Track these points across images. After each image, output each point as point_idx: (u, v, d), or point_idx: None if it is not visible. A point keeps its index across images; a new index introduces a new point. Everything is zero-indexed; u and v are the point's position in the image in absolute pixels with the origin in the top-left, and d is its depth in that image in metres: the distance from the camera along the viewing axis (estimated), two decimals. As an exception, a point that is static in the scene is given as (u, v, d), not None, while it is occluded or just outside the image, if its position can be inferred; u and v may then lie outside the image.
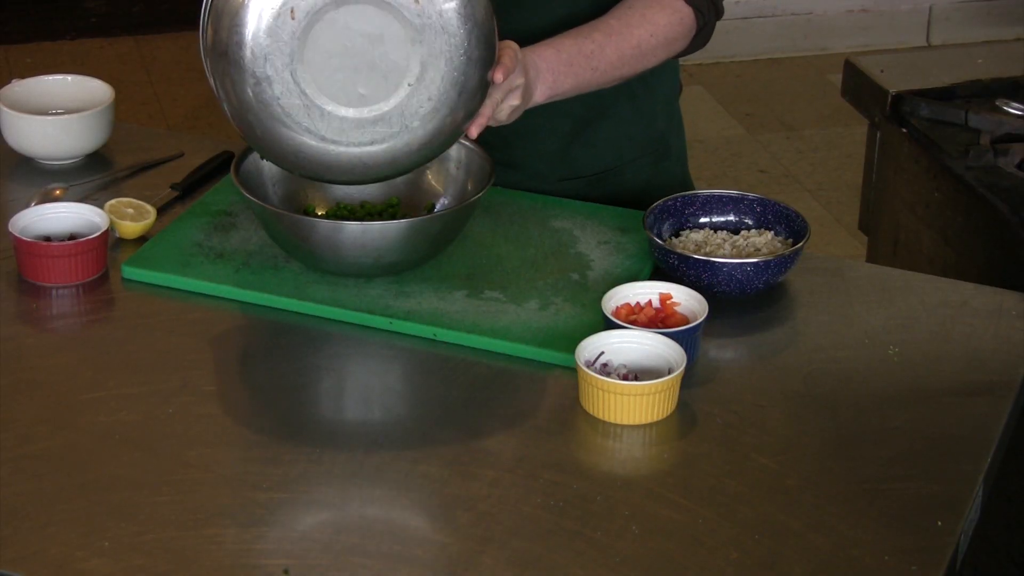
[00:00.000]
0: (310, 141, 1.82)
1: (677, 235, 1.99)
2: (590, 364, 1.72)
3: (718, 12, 2.06)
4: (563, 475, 1.63)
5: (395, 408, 1.79)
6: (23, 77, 2.28)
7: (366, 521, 1.57)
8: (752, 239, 1.96)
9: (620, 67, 1.99)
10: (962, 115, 2.45)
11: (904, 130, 2.52)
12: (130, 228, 2.02)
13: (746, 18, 4.97)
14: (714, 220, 2.01)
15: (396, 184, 1.98)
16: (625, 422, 1.69)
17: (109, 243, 1.97)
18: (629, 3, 2.01)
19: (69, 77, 2.30)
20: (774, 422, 1.71)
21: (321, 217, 1.99)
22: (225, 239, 2.00)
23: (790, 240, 1.96)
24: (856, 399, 1.76)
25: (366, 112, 1.81)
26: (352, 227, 1.85)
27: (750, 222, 2.00)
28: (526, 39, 1.91)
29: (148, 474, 1.62)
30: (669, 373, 1.71)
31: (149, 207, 2.05)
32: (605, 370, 1.73)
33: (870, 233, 2.72)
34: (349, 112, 1.81)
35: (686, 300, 1.82)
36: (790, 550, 1.53)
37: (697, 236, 1.97)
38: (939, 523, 1.57)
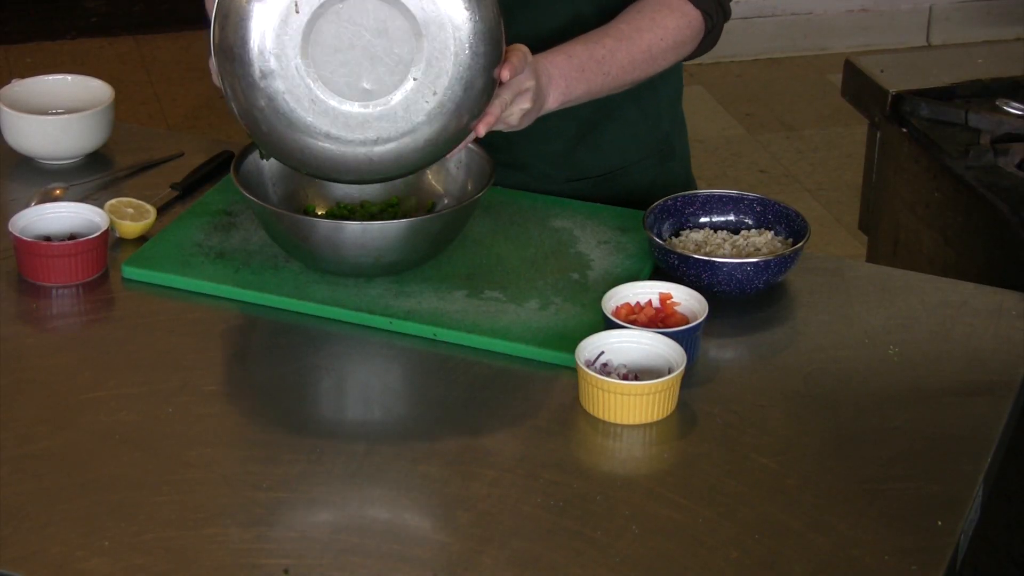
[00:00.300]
0: (316, 137, 1.82)
1: (677, 235, 1.99)
2: (590, 364, 1.72)
3: (725, 14, 2.06)
4: (563, 475, 1.63)
5: (395, 408, 1.79)
6: (23, 77, 2.29)
7: (366, 521, 1.57)
8: (752, 239, 1.96)
9: (631, 72, 1.99)
10: (962, 115, 2.45)
11: (904, 130, 2.52)
12: (130, 228, 2.02)
13: (746, 18, 4.97)
14: (714, 220, 2.01)
15: (396, 184, 1.98)
16: (625, 422, 1.69)
17: (109, 243, 1.97)
18: (638, 7, 2.01)
19: (69, 77, 2.30)
20: (774, 422, 1.71)
21: (321, 217, 1.99)
22: (225, 239, 2.00)
23: (790, 240, 1.96)
24: (856, 399, 1.76)
25: (371, 107, 1.81)
26: (352, 227, 1.85)
27: (750, 222, 2.00)
28: (531, 41, 1.90)
29: (148, 474, 1.62)
30: (669, 373, 1.71)
31: (149, 207, 2.05)
32: (605, 370, 1.73)
33: (870, 233, 2.72)
34: (354, 107, 1.81)
35: (686, 300, 1.82)
36: (790, 550, 1.53)
37: (697, 236, 1.97)
38: (939, 523, 1.57)
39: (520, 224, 2.04)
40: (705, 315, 1.79)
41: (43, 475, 1.62)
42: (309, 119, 1.81)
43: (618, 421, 1.69)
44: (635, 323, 1.79)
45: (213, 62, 1.81)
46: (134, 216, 2.03)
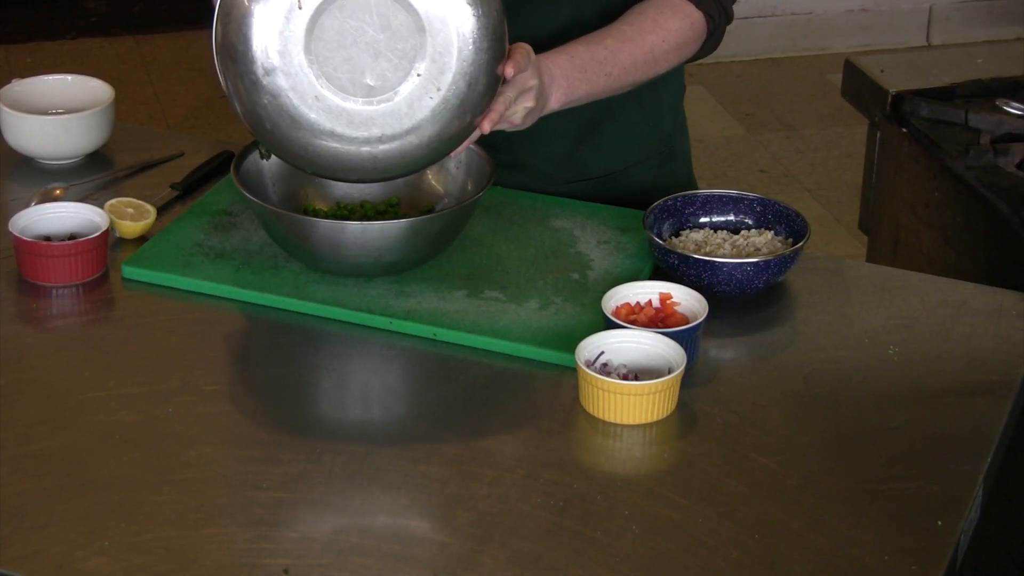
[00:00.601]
0: (320, 135, 1.81)
1: (677, 235, 1.99)
2: (590, 364, 1.72)
3: (728, 16, 2.06)
4: (563, 475, 1.63)
5: (395, 408, 1.79)
6: (23, 77, 2.29)
7: (366, 521, 1.57)
8: (752, 239, 1.96)
9: (633, 73, 1.99)
10: (962, 115, 2.45)
11: (904, 130, 2.52)
12: (130, 228, 2.02)
13: (746, 18, 4.97)
14: (714, 220, 2.01)
15: (396, 184, 1.98)
16: (625, 422, 1.69)
17: (109, 243, 1.98)
18: (640, 9, 2.01)
19: (69, 77, 2.30)
20: (774, 422, 1.71)
21: (321, 216, 1.99)
22: (225, 239, 2.00)
23: (790, 240, 1.96)
24: (856, 399, 1.76)
25: (375, 104, 1.81)
26: (352, 227, 1.85)
27: (750, 222, 2.00)
28: (532, 42, 1.90)
29: (148, 474, 1.62)
30: (669, 373, 1.71)
31: (149, 207, 2.05)
32: (605, 370, 1.73)
33: (870, 233, 2.72)
34: (358, 104, 1.81)
35: (686, 300, 1.82)
36: (790, 550, 1.53)
37: (697, 236, 1.97)
38: (939, 523, 1.57)
39: (520, 224, 2.04)
40: (705, 315, 1.79)
41: (43, 475, 1.62)
42: (313, 116, 1.81)
43: (618, 421, 1.69)
44: (635, 323, 1.79)
45: (215, 60, 1.81)
46: (134, 216, 2.03)
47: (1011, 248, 2.23)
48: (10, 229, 1.94)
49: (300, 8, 1.76)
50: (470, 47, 1.79)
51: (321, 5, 1.77)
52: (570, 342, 1.76)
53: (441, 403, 1.75)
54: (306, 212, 2.00)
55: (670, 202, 1.99)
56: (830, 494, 1.61)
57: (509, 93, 1.84)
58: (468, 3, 1.78)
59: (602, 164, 2.18)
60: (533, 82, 1.86)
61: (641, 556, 1.52)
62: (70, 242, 1.92)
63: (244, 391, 1.79)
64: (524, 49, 1.85)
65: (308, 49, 1.78)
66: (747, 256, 1.92)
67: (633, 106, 2.15)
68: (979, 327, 1.88)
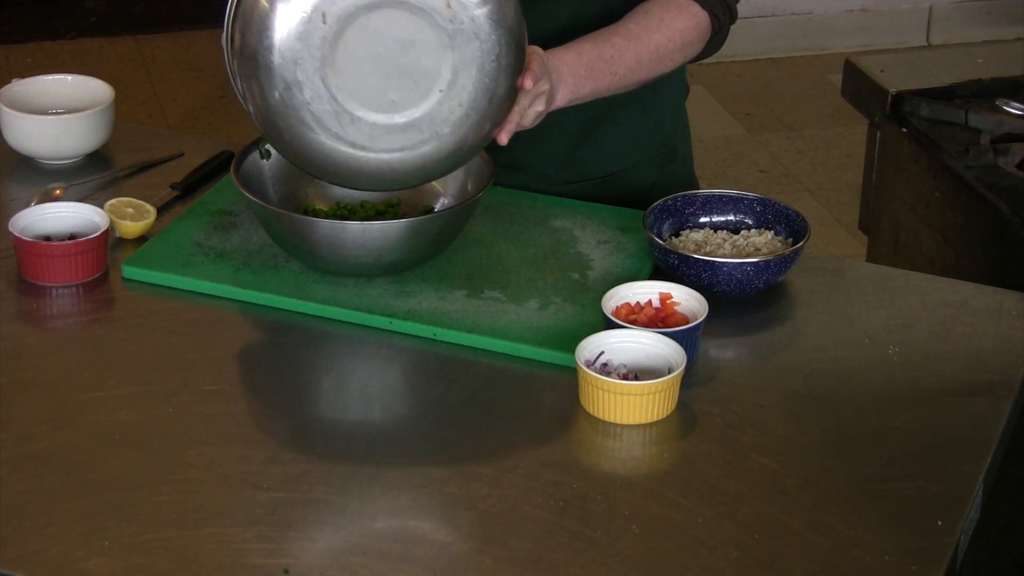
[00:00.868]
0: (339, 147, 1.79)
1: (677, 235, 1.99)
2: (590, 364, 1.72)
3: (732, 16, 2.06)
4: (563, 475, 1.63)
5: (395, 408, 1.79)
6: (23, 77, 2.29)
7: (366, 521, 1.57)
8: (752, 239, 1.96)
9: (638, 72, 1.99)
10: (962, 115, 2.45)
11: (904, 130, 2.52)
12: (130, 228, 2.02)
13: (746, 18, 4.95)
14: (714, 220, 2.01)
15: (396, 184, 1.98)
16: (625, 422, 1.69)
17: (109, 243, 1.98)
18: (646, 8, 2.01)
19: (69, 77, 2.30)
20: (774, 422, 1.71)
21: (321, 216, 1.99)
22: (225, 239, 2.00)
23: (790, 240, 1.96)
24: (856, 399, 1.76)
25: (397, 118, 1.79)
26: (352, 227, 1.85)
27: (750, 222, 2.00)
28: (534, 40, 1.90)
29: (148, 474, 1.62)
30: (669, 373, 1.71)
31: (149, 207, 2.05)
32: (605, 370, 1.73)
33: (870, 233, 2.72)
34: (380, 118, 1.79)
35: (686, 300, 1.82)
36: (790, 550, 1.53)
37: (697, 236, 1.97)
38: (939, 523, 1.57)
39: (520, 224, 2.04)
40: (705, 315, 1.79)
41: (43, 475, 1.62)
42: (334, 129, 1.79)
43: (618, 421, 1.69)
44: (635, 323, 1.79)
45: (231, 66, 1.79)
46: (134, 216, 2.03)
47: (1011, 248, 2.23)
48: (10, 229, 1.94)
49: (324, 23, 1.74)
50: (492, 63, 1.78)
51: (346, 19, 1.75)
52: (570, 342, 1.76)
53: (441, 403, 1.75)
54: (306, 212, 2.00)
55: (670, 202, 1.99)
56: (830, 494, 1.61)
57: (524, 102, 1.84)
58: (491, 19, 1.77)
59: (602, 165, 2.18)
60: (546, 87, 1.86)
61: (641, 556, 1.52)
62: (70, 242, 1.92)
63: (244, 391, 1.79)
64: (539, 56, 1.85)
65: (331, 63, 1.76)
66: (747, 256, 1.92)
67: (634, 106, 2.15)
68: (979, 327, 1.88)
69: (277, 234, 1.91)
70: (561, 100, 1.93)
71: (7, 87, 2.25)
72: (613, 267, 1.96)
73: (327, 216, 1.99)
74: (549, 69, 1.88)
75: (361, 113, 1.78)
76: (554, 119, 2.01)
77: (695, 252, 1.91)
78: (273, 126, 1.79)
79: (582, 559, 1.52)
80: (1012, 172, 2.32)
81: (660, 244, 1.90)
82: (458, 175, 2.01)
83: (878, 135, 2.63)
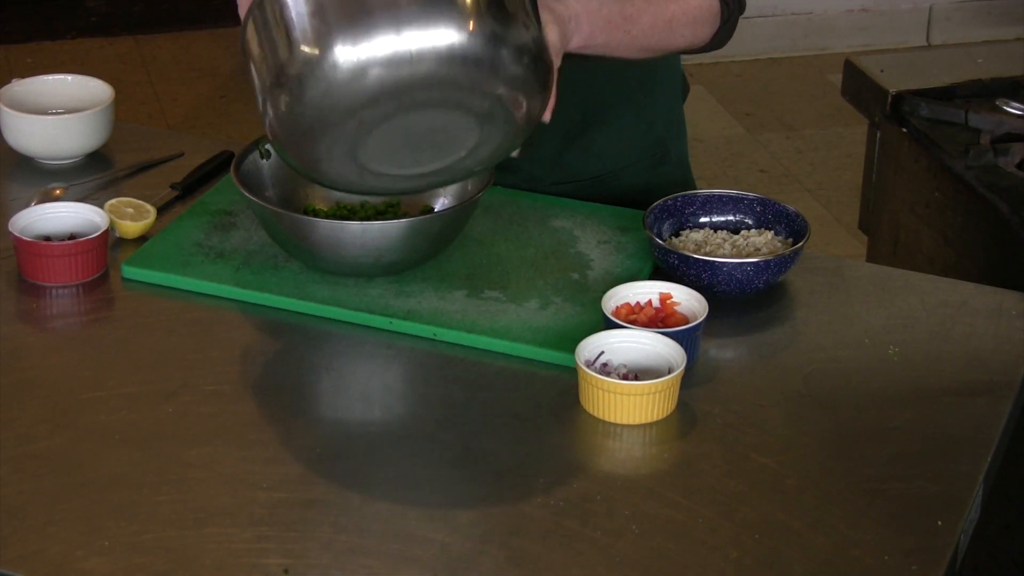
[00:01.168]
0: (364, 179, 1.78)
1: (677, 235, 1.99)
2: (590, 364, 1.72)
3: (741, 7, 2.07)
4: (563, 475, 1.63)
5: (395, 408, 1.78)
6: (23, 77, 2.29)
7: (366, 521, 1.57)
8: (752, 239, 1.96)
9: (651, 37, 1.97)
10: (962, 115, 2.45)
11: (904, 130, 2.52)
12: (130, 228, 2.02)
13: (746, 18, 4.95)
14: (714, 220, 2.01)
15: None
16: (625, 422, 1.69)
17: (109, 243, 1.98)
18: None
19: (69, 77, 2.30)
20: (774, 422, 1.71)
21: (321, 216, 1.99)
22: (225, 239, 2.00)
23: (790, 240, 1.96)
24: (856, 399, 1.76)
25: (416, 170, 1.79)
26: (352, 227, 1.85)
27: (750, 222, 2.00)
28: None
29: (148, 474, 1.62)
30: (669, 373, 1.71)
31: (149, 207, 2.05)
32: (605, 370, 1.73)
33: (870, 233, 2.72)
34: (400, 171, 1.78)
35: (686, 300, 1.82)
36: (790, 550, 1.53)
37: (697, 236, 1.97)
38: (939, 523, 1.57)
39: (520, 224, 2.04)
40: (705, 315, 1.79)
41: (43, 475, 1.62)
42: (352, 177, 1.77)
43: (618, 421, 1.69)
44: (635, 323, 1.79)
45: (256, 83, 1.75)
46: (134, 216, 2.03)
47: (1011, 248, 2.23)
48: (10, 229, 1.94)
49: (360, 126, 1.70)
50: (518, 137, 1.78)
51: (382, 120, 1.70)
52: (570, 342, 1.76)
53: (441, 403, 1.75)
54: (306, 212, 2.00)
55: (670, 202, 1.99)
56: (830, 494, 1.61)
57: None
58: (539, 91, 1.74)
59: (590, 166, 2.17)
60: (553, 100, 1.83)
61: (641, 556, 1.52)
62: (70, 242, 1.92)
63: (244, 391, 1.79)
64: (554, 76, 1.82)
65: (363, 145, 1.72)
66: (747, 256, 1.92)
67: (625, 108, 2.15)
68: (979, 327, 1.88)
69: (277, 234, 1.91)
70: (574, 45, 1.89)
71: (7, 87, 2.25)
72: (613, 267, 1.96)
73: (327, 216, 1.99)
74: (567, 17, 1.85)
75: (383, 169, 1.77)
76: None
77: (695, 252, 1.91)
78: (297, 154, 1.75)
79: (582, 559, 1.52)
80: (1012, 172, 2.32)
81: (660, 244, 1.90)
82: (458, 175, 2.01)
83: (878, 135, 2.63)
